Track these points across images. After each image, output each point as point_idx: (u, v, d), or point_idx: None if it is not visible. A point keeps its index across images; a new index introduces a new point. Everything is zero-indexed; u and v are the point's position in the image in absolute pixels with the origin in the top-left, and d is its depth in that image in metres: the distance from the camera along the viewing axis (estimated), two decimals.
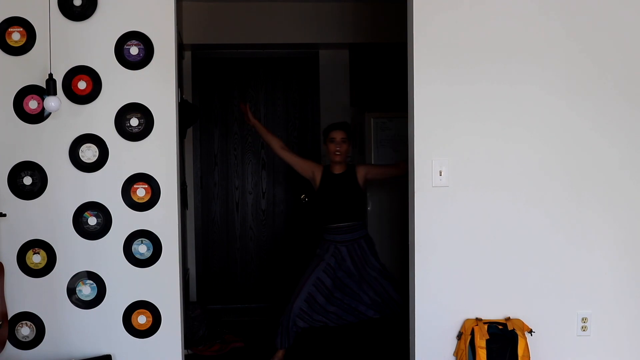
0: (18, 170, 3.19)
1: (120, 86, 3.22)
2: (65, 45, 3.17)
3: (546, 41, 3.19)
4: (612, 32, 3.21)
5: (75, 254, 3.23)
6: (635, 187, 3.25)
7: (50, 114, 3.18)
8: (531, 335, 3.20)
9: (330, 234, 4.33)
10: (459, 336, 3.22)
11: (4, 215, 3.15)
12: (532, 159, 3.22)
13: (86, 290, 3.25)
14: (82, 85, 3.19)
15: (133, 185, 3.23)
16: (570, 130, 3.22)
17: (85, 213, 3.22)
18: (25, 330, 3.23)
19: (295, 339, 4.23)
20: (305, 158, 4.54)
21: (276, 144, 4.42)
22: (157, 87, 3.23)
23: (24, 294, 3.21)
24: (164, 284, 3.28)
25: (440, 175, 3.20)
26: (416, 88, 3.18)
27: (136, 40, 3.20)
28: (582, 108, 3.22)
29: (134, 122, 3.22)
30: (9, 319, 3.13)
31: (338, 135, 4.34)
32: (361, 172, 4.37)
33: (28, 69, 3.16)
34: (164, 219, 3.26)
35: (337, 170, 4.38)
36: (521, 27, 3.19)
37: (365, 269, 4.29)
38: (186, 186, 5.67)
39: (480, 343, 3.09)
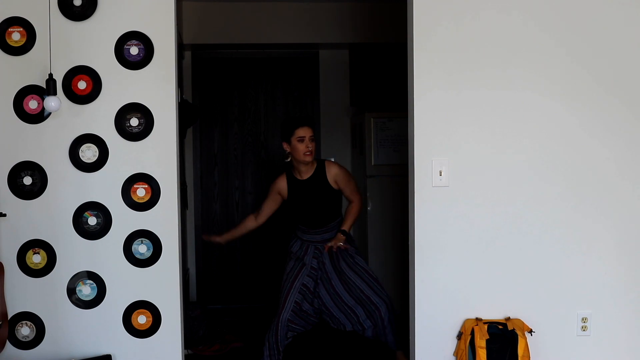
0: (18, 170, 3.19)
1: (120, 86, 3.22)
2: (65, 45, 3.17)
3: (543, 49, 3.20)
4: (605, 40, 3.22)
5: (75, 254, 3.23)
6: (632, 189, 3.26)
7: (50, 114, 3.18)
8: (531, 335, 3.21)
9: (309, 234, 4.02)
10: (459, 336, 3.22)
11: (4, 215, 3.15)
12: (531, 160, 3.23)
13: (86, 290, 3.25)
14: (82, 85, 3.19)
15: (133, 185, 3.23)
16: (567, 133, 3.23)
17: (85, 213, 3.22)
18: (25, 330, 3.23)
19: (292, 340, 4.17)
20: (267, 194, 4.08)
21: (252, 223, 4.08)
22: (157, 87, 3.23)
23: (24, 294, 3.21)
24: (164, 284, 3.28)
25: (440, 175, 3.20)
26: (416, 93, 3.18)
27: (136, 40, 3.20)
28: (578, 112, 3.23)
29: (134, 122, 3.22)
30: (9, 319, 3.13)
31: (307, 133, 3.84)
32: (331, 173, 3.95)
33: (28, 69, 3.16)
34: (164, 219, 3.26)
35: (305, 174, 3.94)
36: (520, 35, 3.20)
37: (346, 269, 3.96)
38: (186, 186, 5.67)
39: (480, 343, 3.09)
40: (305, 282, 3.96)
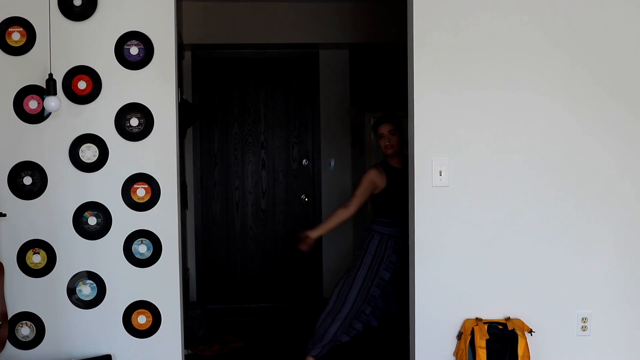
0: (18, 170, 3.19)
1: (120, 86, 3.22)
2: (65, 45, 3.17)
3: (543, 49, 3.20)
4: (604, 41, 3.23)
5: (75, 254, 3.23)
6: (632, 189, 3.26)
7: (50, 114, 3.18)
8: (531, 335, 3.21)
9: (394, 227, 4.18)
10: (459, 336, 3.22)
11: (4, 215, 3.16)
12: (531, 160, 3.23)
13: (86, 290, 3.25)
14: (82, 85, 3.19)
15: (133, 185, 3.23)
16: (567, 134, 3.23)
17: (85, 213, 3.23)
18: (25, 330, 3.23)
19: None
20: (360, 184, 4.23)
21: (345, 214, 4.19)
22: (157, 87, 3.23)
23: (24, 294, 3.22)
24: (164, 284, 3.28)
25: (440, 175, 3.20)
26: (416, 93, 3.18)
27: (136, 40, 3.21)
28: (578, 113, 3.23)
29: (134, 122, 3.23)
30: (9, 319, 3.13)
31: (385, 129, 4.19)
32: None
33: (28, 69, 3.17)
34: (164, 219, 3.26)
35: (396, 163, 4.22)
36: (520, 35, 3.20)
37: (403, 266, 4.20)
38: (186, 186, 5.68)
39: (480, 343, 3.09)
40: (383, 276, 4.15)
